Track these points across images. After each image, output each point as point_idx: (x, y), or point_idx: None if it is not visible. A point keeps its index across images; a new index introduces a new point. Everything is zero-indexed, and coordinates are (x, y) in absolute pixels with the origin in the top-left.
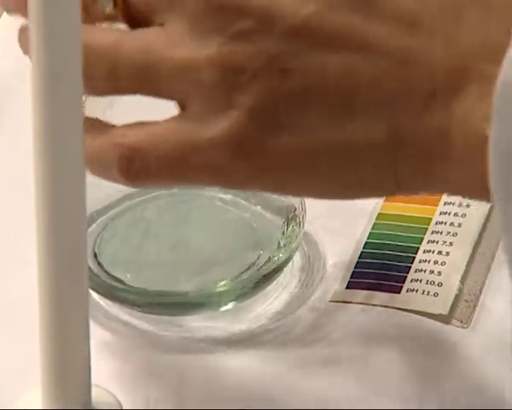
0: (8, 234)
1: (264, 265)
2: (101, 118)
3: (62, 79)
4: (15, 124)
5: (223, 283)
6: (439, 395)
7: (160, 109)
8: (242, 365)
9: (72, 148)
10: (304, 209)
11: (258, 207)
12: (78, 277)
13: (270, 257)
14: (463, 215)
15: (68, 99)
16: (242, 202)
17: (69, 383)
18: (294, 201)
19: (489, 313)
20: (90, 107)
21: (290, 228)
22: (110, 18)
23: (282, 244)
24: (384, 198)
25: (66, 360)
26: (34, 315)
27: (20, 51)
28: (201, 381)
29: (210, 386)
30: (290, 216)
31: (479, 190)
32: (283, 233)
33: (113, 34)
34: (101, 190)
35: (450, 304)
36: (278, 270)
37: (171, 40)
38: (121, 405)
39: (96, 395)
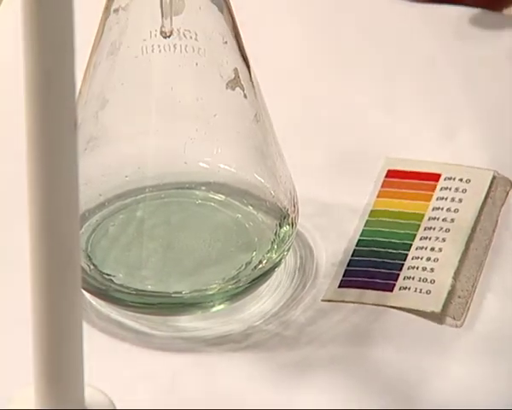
0: (1, 234)
1: (256, 265)
2: (93, 119)
3: (55, 79)
4: (12, 122)
5: (215, 283)
6: (432, 393)
7: (154, 110)
8: (235, 365)
9: (65, 147)
10: (296, 209)
11: (251, 208)
12: (71, 276)
13: (262, 258)
14: (456, 210)
15: (61, 99)
16: (235, 202)
17: (62, 382)
18: (287, 201)
19: (482, 309)
20: (82, 108)
21: (283, 228)
22: None
23: (274, 245)
24: (376, 194)
25: (60, 360)
26: (27, 315)
27: (16, 48)
28: (194, 381)
29: (202, 386)
30: (283, 216)
31: None
32: (276, 234)
33: None
34: (93, 189)
35: (442, 301)
36: (271, 270)
37: None
38: (114, 405)
39: (89, 394)
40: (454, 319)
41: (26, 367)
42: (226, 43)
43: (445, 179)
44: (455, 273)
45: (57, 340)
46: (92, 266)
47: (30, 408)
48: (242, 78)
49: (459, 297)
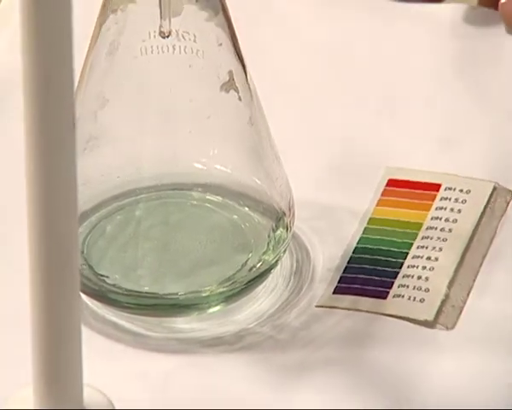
0: (0, 234)
1: (252, 267)
2: (93, 119)
3: (54, 80)
4: (13, 122)
5: (211, 285)
6: (424, 394)
7: (153, 111)
8: (229, 366)
9: (63, 147)
10: (292, 212)
11: (247, 209)
12: (69, 277)
13: (258, 259)
14: (455, 220)
15: (59, 100)
16: (231, 203)
17: (61, 382)
18: (283, 204)
19: (475, 317)
20: (81, 107)
21: (279, 230)
22: None
23: (270, 246)
24: (376, 203)
25: (58, 360)
26: (26, 316)
27: (15, 48)
28: (188, 382)
29: (197, 387)
30: (279, 218)
31: None
32: (272, 235)
33: None
34: (90, 190)
35: (435, 310)
36: (267, 272)
37: None
38: (113, 405)
39: (88, 394)
40: (446, 327)
41: (25, 367)
42: (221, 45)
43: (445, 190)
44: (449, 282)
45: (56, 340)
46: (88, 267)
47: (29, 408)
48: (237, 80)
49: (452, 306)
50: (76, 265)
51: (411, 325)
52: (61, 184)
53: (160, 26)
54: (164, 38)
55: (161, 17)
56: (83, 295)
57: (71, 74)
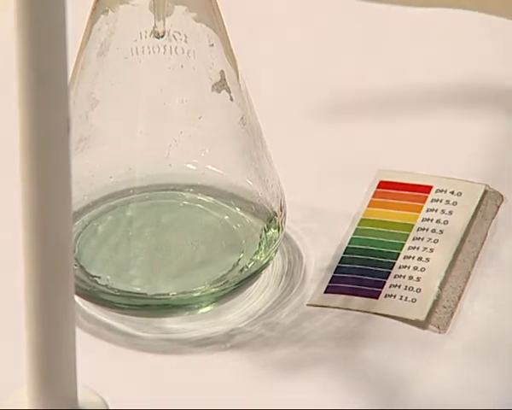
0: None
1: (243, 267)
2: (84, 119)
3: (48, 79)
4: (5, 123)
5: (203, 285)
6: (415, 394)
7: (144, 112)
8: (220, 366)
9: (58, 148)
10: (284, 213)
11: (239, 210)
12: (64, 278)
13: (250, 260)
14: (446, 222)
15: (54, 99)
16: (223, 204)
17: (55, 383)
18: (274, 204)
19: (466, 318)
20: (72, 107)
21: (270, 231)
22: None
23: (261, 247)
24: (367, 204)
25: (53, 361)
26: (20, 316)
27: (9, 49)
28: (179, 382)
29: (188, 387)
30: (270, 218)
31: None
32: (263, 236)
33: None
34: (82, 190)
35: (427, 310)
36: (258, 272)
37: None
38: (107, 405)
39: (82, 395)
40: (438, 327)
41: (20, 368)
42: (212, 45)
43: (436, 191)
44: (441, 283)
45: (50, 340)
46: (79, 268)
47: (23, 409)
48: (229, 80)
49: (444, 307)
50: (70, 265)
51: (403, 324)
52: (55, 184)
53: (155, 27)
54: (158, 38)
55: (156, 18)
56: (74, 296)
57: (65, 76)
